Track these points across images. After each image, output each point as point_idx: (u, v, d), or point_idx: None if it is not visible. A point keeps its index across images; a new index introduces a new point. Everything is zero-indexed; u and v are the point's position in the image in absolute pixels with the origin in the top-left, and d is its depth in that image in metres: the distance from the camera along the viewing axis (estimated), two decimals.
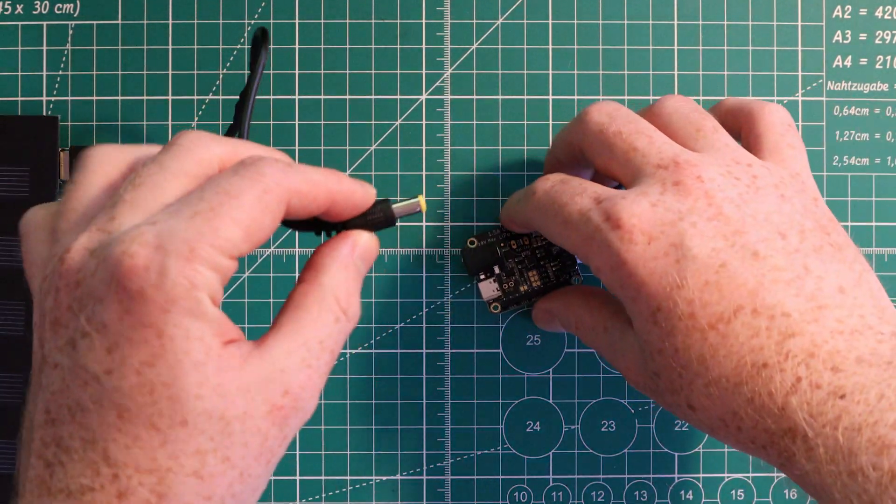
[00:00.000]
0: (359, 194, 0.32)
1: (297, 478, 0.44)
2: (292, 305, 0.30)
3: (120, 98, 0.44)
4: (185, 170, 0.29)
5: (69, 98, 0.44)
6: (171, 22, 0.44)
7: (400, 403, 0.44)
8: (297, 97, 0.44)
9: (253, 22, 0.44)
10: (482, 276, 0.42)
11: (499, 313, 0.43)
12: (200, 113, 0.44)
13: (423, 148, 0.44)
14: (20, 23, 0.44)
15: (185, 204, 0.28)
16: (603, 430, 0.44)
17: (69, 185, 0.31)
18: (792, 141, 0.36)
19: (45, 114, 0.44)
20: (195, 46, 0.44)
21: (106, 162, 0.31)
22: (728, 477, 0.44)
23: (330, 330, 0.30)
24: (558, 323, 0.41)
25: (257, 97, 0.44)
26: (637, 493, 0.44)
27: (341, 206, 0.31)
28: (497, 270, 0.42)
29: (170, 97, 0.44)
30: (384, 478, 0.44)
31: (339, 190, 0.31)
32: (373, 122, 0.44)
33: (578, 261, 0.42)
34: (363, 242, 0.32)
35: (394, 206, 0.33)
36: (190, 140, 0.30)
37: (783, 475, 0.44)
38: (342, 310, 0.31)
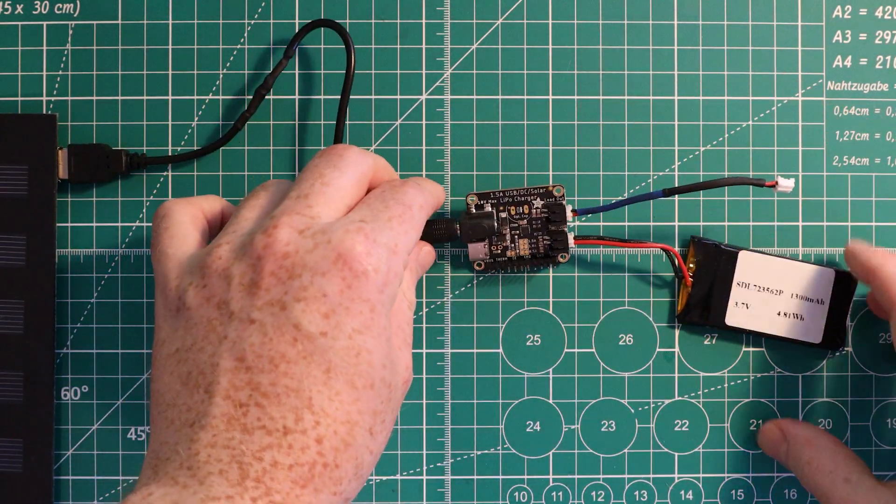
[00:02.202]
0: (443, 197, 0.41)
1: None
2: None
3: (120, 98, 0.44)
4: (356, 179, 0.36)
5: (69, 98, 0.44)
6: (171, 22, 0.44)
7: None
8: (297, 97, 0.44)
9: (253, 22, 0.44)
10: None
11: (481, 271, 0.43)
12: (200, 113, 0.44)
13: (423, 148, 0.44)
14: (20, 23, 0.44)
15: (377, 210, 0.35)
16: (603, 430, 0.44)
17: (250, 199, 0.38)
18: None
19: (45, 113, 0.44)
20: (195, 46, 0.44)
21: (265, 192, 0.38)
22: (728, 477, 0.44)
23: (408, 315, 0.38)
24: (782, 448, 0.42)
25: (253, 98, 0.44)
26: (637, 493, 0.44)
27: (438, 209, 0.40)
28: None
29: (170, 97, 0.44)
30: (384, 478, 0.44)
31: (441, 199, 0.40)
32: (373, 122, 0.44)
33: (571, 244, 0.42)
34: (424, 254, 0.41)
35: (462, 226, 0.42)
36: (353, 154, 0.37)
37: (783, 475, 0.44)
38: (410, 302, 0.38)
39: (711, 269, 0.43)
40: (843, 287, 0.43)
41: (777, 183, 0.41)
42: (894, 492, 0.38)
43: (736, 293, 0.43)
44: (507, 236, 0.43)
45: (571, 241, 0.42)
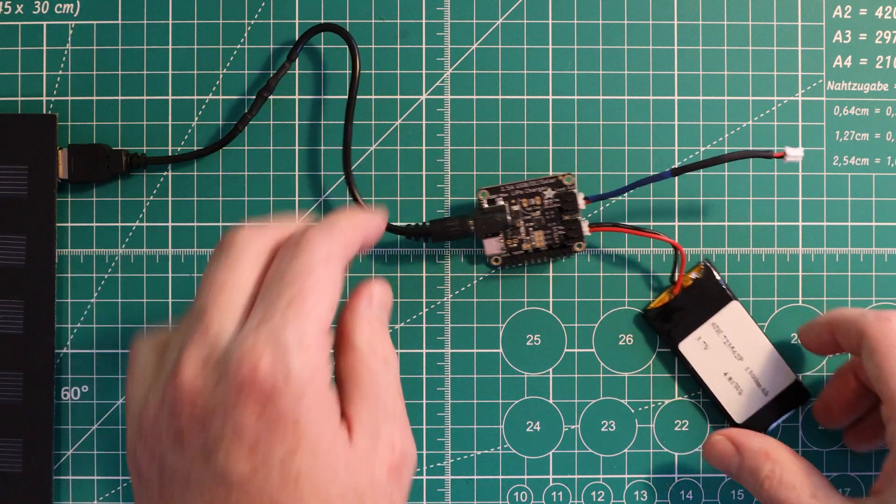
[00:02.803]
0: (375, 224, 0.34)
1: None
2: (347, 378, 0.31)
3: (120, 98, 0.44)
4: (251, 267, 0.31)
5: (69, 98, 0.44)
6: (171, 22, 0.44)
7: None
8: (297, 97, 0.44)
9: (253, 22, 0.44)
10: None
11: (498, 266, 0.43)
12: (200, 113, 0.44)
13: (423, 148, 0.44)
14: (20, 23, 0.44)
15: (272, 298, 0.30)
16: (603, 430, 0.44)
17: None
18: None
19: (45, 113, 0.44)
20: (195, 46, 0.44)
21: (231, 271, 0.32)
22: (728, 477, 0.44)
23: (387, 378, 0.32)
24: (734, 461, 0.40)
25: (255, 97, 0.44)
26: (637, 493, 0.44)
27: (373, 239, 0.34)
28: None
29: (170, 97, 0.44)
30: None
31: (369, 227, 0.33)
32: (373, 122, 0.44)
33: (586, 232, 0.42)
34: (377, 294, 0.33)
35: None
36: (241, 239, 0.31)
37: None
38: (384, 358, 0.32)
39: (701, 294, 0.43)
40: (794, 394, 0.43)
41: (785, 153, 0.40)
42: None
43: (704, 330, 0.43)
44: (522, 229, 0.43)
45: (586, 229, 0.42)
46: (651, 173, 0.44)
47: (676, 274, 0.43)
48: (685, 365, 0.43)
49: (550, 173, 0.44)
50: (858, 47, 0.44)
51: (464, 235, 0.43)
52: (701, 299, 0.43)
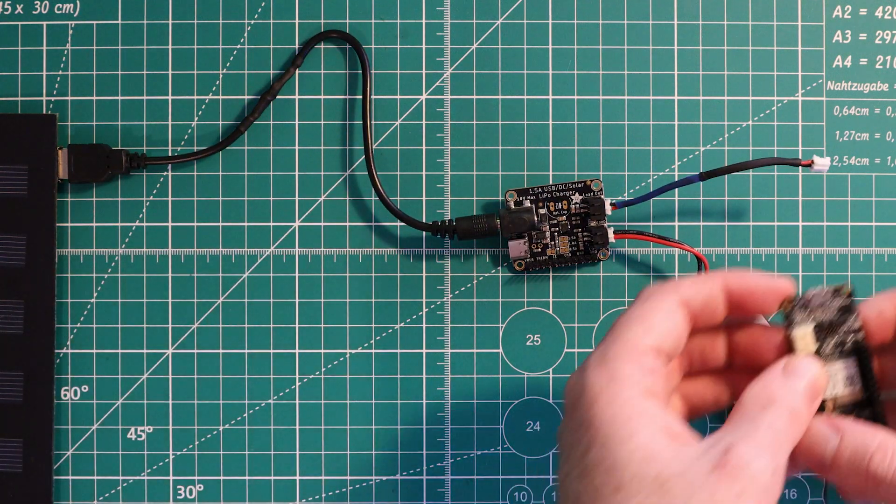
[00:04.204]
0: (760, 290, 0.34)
1: (297, 478, 0.44)
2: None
3: (120, 98, 0.44)
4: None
5: (69, 98, 0.44)
6: (171, 22, 0.44)
7: (400, 403, 0.44)
8: (297, 97, 0.44)
9: (253, 22, 0.44)
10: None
11: (521, 271, 0.43)
12: (200, 113, 0.44)
13: (423, 148, 0.44)
14: (20, 23, 0.44)
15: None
16: None
17: None
18: None
19: (45, 113, 0.44)
20: (195, 46, 0.44)
21: None
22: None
23: (766, 415, 0.32)
24: (831, 444, 0.34)
25: (255, 97, 0.44)
26: None
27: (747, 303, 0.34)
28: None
29: (170, 97, 0.44)
30: (384, 478, 0.44)
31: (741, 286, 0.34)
32: (373, 122, 0.44)
33: (611, 238, 0.42)
34: (805, 375, 0.33)
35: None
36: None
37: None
38: (762, 404, 0.32)
39: None
40: None
41: (813, 162, 0.40)
42: None
43: None
44: (547, 233, 0.43)
45: (611, 236, 0.43)
46: (651, 173, 0.44)
47: None
48: None
49: (576, 177, 0.44)
50: (858, 47, 0.44)
51: (490, 234, 0.43)
52: None
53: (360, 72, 0.44)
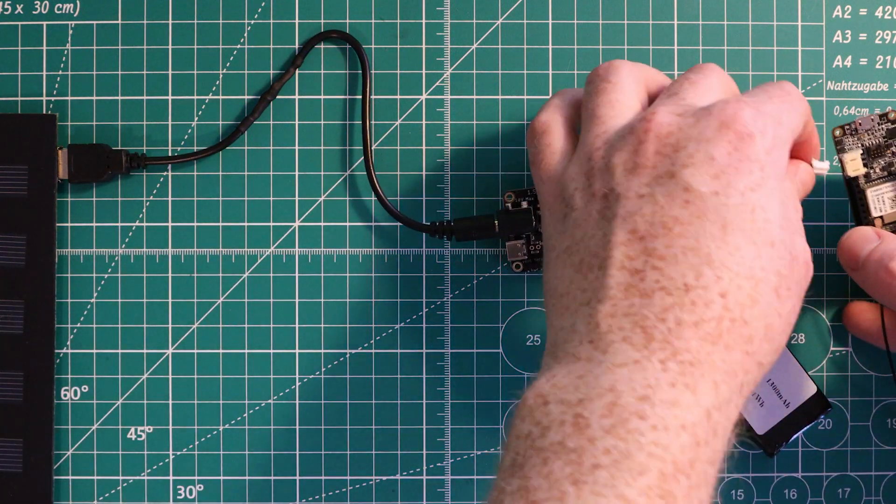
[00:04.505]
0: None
1: (297, 478, 0.44)
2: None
3: (120, 98, 0.44)
4: (721, 80, 0.37)
5: (69, 98, 0.44)
6: (171, 22, 0.44)
7: (400, 403, 0.44)
8: (297, 97, 0.44)
9: (253, 22, 0.44)
10: (511, 235, 0.43)
11: (520, 272, 0.43)
12: (200, 113, 0.44)
13: (423, 148, 0.44)
14: (20, 23, 0.44)
15: (756, 93, 0.35)
16: None
17: (601, 96, 0.36)
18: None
19: (45, 113, 0.44)
20: (195, 46, 0.44)
21: (629, 77, 0.37)
22: (728, 477, 0.44)
23: (795, 204, 0.35)
24: (871, 245, 0.39)
25: (255, 97, 0.44)
26: None
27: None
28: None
29: (170, 97, 0.44)
30: (384, 478, 0.44)
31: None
32: (373, 122, 0.44)
33: None
34: (801, 169, 0.38)
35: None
36: (712, 66, 0.37)
37: (783, 475, 0.44)
38: (795, 207, 0.35)
39: None
40: (815, 405, 0.42)
41: (811, 165, 0.40)
42: None
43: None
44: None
45: None
46: None
47: None
48: None
49: None
50: (858, 47, 0.44)
51: (488, 236, 0.43)
52: None
53: (360, 72, 0.44)
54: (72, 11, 0.44)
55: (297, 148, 0.44)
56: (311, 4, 0.44)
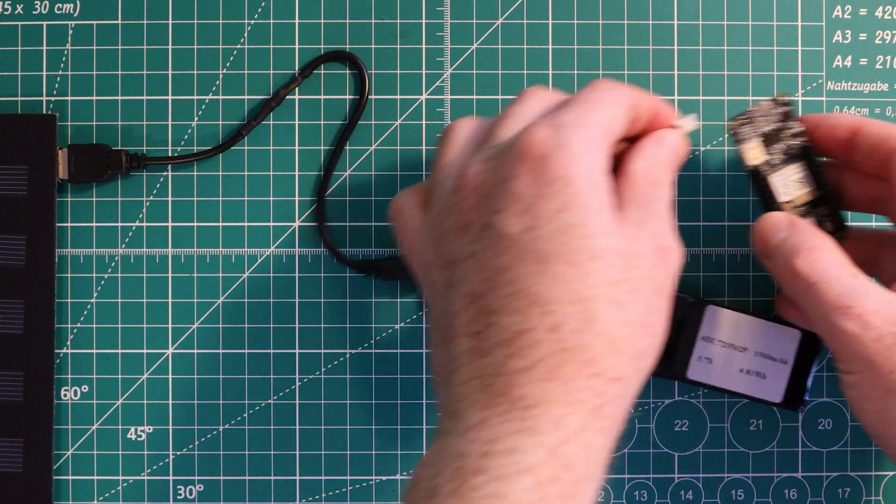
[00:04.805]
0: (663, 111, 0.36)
1: (297, 478, 0.44)
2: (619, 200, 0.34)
3: (120, 98, 0.44)
4: (539, 105, 0.35)
5: (69, 98, 0.44)
6: (171, 22, 0.44)
7: (400, 403, 0.44)
8: (297, 97, 0.44)
9: (253, 22, 0.44)
10: None
11: None
12: (200, 113, 0.44)
13: (423, 148, 0.44)
14: (20, 23, 0.44)
15: (559, 107, 0.34)
16: None
17: (434, 162, 0.36)
18: None
19: (45, 113, 0.44)
20: (195, 46, 0.44)
21: (462, 133, 0.36)
22: (728, 477, 0.44)
23: (656, 195, 0.34)
24: (781, 234, 0.38)
25: (255, 97, 0.44)
26: (637, 493, 0.44)
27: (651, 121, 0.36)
28: None
29: (170, 97, 0.44)
30: (384, 478, 0.44)
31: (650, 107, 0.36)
32: (373, 122, 0.44)
33: None
34: (669, 139, 0.36)
35: None
36: (525, 93, 0.36)
37: (783, 475, 0.44)
38: (655, 182, 0.34)
39: (677, 321, 0.42)
40: (808, 347, 0.42)
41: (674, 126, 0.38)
42: None
43: (700, 347, 0.42)
44: None
45: None
46: None
47: None
48: (702, 386, 0.43)
49: None
50: (858, 47, 0.44)
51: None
52: (679, 324, 0.42)
53: (359, 95, 0.44)
54: (72, 11, 0.44)
55: (296, 148, 0.44)
56: (312, 4, 0.44)
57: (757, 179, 0.39)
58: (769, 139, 0.39)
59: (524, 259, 0.31)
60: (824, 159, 0.40)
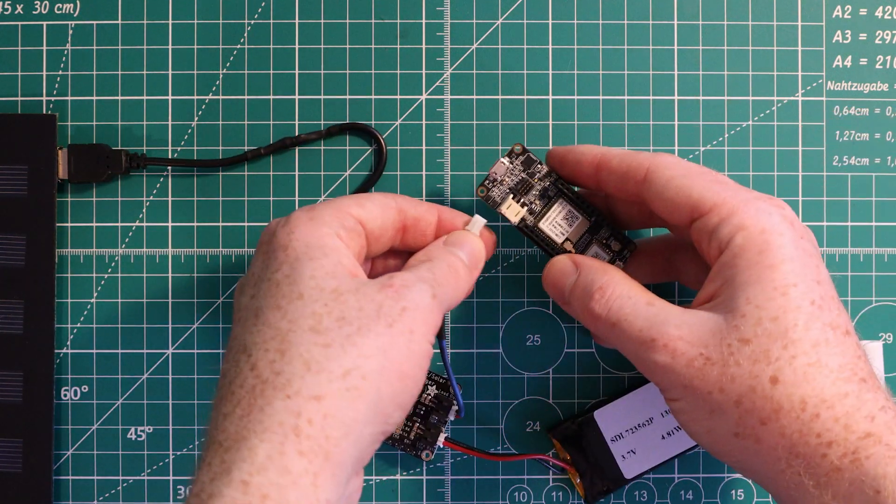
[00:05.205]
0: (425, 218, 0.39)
1: None
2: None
3: (120, 98, 0.44)
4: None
5: (69, 98, 0.44)
6: (171, 22, 0.44)
7: None
8: (297, 97, 0.44)
9: (253, 22, 0.44)
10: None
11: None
12: (200, 113, 0.44)
13: (423, 148, 0.44)
14: (20, 23, 0.44)
15: None
16: None
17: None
18: None
19: (45, 113, 0.44)
20: (195, 46, 0.44)
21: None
22: (728, 477, 0.44)
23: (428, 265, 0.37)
24: (570, 279, 0.38)
25: (255, 97, 0.44)
26: (637, 493, 0.44)
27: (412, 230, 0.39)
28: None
29: (170, 97, 0.44)
30: (384, 478, 0.44)
31: (409, 210, 0.38)
32: (373, 122, 0.44)
33: (440, 443, 0.43)
34: (467, 244, 0.38)
35: None
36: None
37: None
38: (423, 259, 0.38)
39: (581, 446, 0.43)
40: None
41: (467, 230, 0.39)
42: (703, 314, 0.35)
43: (617, 448, 0.42)
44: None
45: (441, 441, 0.43)
46: None
47: (561, 468, 0.44)
48: (645, 474, 0.43)
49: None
50: (858, 47, 0.44)
51: None
52: (585, 447, 0.43)
53: (376, 166, 0.44)
54: (72, 11, 0.44)
55: (296, 148, 0.44)
56: (312, 4, 0.44)
57: (528, 232, 0.39)
58: (521, 190, 0.39)
59: (246, 320, 0.34)
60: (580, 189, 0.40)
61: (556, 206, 0.39)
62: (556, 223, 0.39)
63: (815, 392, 0.33)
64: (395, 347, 0.33)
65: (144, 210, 0.44)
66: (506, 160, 0.39)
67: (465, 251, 0.38)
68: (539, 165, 0.39)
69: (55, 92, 0.44)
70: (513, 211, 0.39)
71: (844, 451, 0.32)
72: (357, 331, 0.33)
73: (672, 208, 0.36)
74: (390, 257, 0.40)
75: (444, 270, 0.36)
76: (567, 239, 0.39)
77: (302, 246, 0.35)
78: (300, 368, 0.32)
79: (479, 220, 0.39)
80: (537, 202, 0.39)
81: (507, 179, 0.39)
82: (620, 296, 0.36)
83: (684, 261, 0.40)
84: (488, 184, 0.39)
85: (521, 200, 0.39)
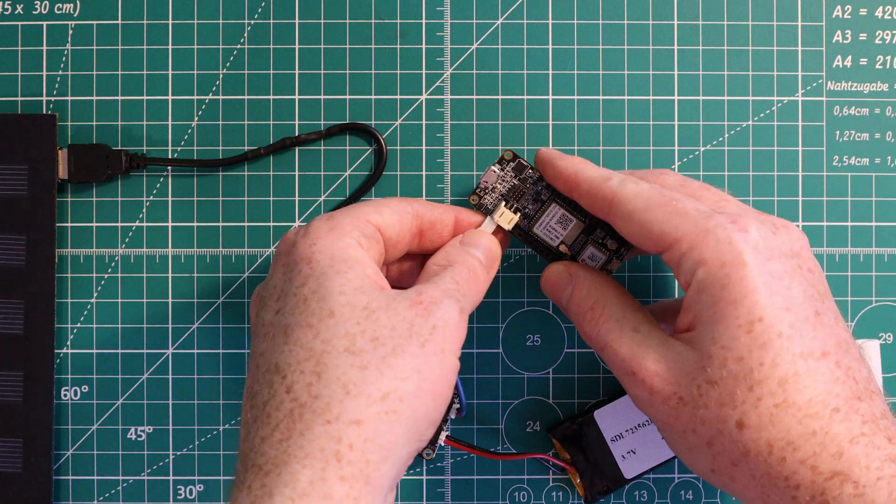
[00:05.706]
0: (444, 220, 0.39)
1: None
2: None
3: (120, 98, 0.44)
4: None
5: (69, 98, 0.44)
6: (170, 22, 0.44)
7: None
8: (297, 97, 0.44)
9: (253, 22, 0.44)
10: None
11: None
12: (200, 113, 0.44)
13: (423, 148, 0.44)
14: (20, 23, 0.44)
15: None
16: None
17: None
18: None
19: (45, 113, 0.44)
20: (195, 46, 0.44)
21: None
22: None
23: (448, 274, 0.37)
24: (566, 291, 0.39)
25: (255, 97, 0.44)
26: (637, 493, 0.44)
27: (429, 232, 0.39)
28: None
29: (170, 97, 0.44)
30: None
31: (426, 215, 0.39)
32: (373, 122, 0.44)
33: (441, 441, 0.42)
34: (482, 243, 0.38)
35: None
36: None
37: None
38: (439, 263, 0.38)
39: (581, 446, 0.43)
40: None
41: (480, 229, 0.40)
42: (682, 348, 0.34)
43: (616, 448, 0.42)
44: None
45: (442, 439, 0.42)
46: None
47: (561, 468, 0.44)
48: (645, 474, 0.43)
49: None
50: (858, 47, 0.44)
51: None
52: (585, 447, 0.43)
53: (375, 165, 0.44)
54: (72, 11, 0.44)
55: (296, 148, 0.44)
56: (312, 4, 0.44)
57: (524, 238, 0.40)
58: (514, 196, 0.40)
59: (274, 338, 0.34)
60: None
61: (549, 209, 0.40)
62: (550, 227, 0.40)
63: (780, 435, 0.32)
64: (429, 367, 0.33)
65: (144, 210, 0.44)
66: (496, 168, 0.40)
67: (482, 250, 0.38)
68: (530, 171, 0.40)
69: (55, 92, 0.44)
70: (506, 218, 0.39)
71: (812, 493, 0.32)
72: (392, 352, 0.33)
73: (639, 241, 0.36)
74: (405, 259, 0.40)
75: (465, 276, 0.36)
76: (562, 242, 0.40)
77: (326, 258, 0.34)
78: (338, 392, 0.32)
79: (488, 225, 0.39)
80: (530, 207, 0.40)
81: (498, 186, 0.40)
82: (609, 318, 0.37)
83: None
84: (480, 192, 0.40)
85: (514, 206, 0.40)
